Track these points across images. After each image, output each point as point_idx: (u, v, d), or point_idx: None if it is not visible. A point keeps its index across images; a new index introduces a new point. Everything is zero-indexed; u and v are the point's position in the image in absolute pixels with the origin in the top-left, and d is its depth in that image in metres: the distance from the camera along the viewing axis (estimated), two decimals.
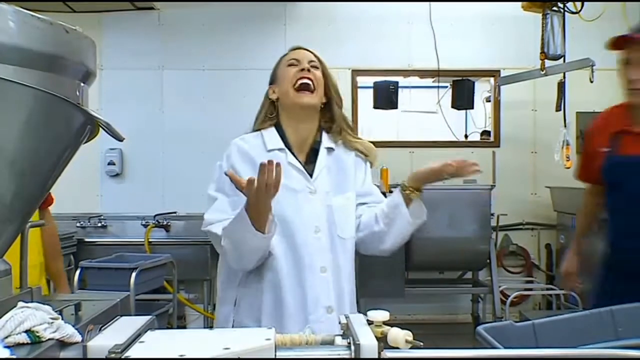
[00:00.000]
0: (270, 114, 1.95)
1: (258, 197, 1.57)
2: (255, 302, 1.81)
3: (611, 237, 2.28)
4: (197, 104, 5.53)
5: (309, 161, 1.91)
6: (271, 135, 1.91)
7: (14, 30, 1.02)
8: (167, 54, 5.55)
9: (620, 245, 2.21)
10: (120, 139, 1.24)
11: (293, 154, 1.89)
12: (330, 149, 1.93)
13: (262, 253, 1.75)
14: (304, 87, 1.86)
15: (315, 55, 1.95)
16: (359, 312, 1.32)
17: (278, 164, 1.56)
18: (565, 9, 4.53)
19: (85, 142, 1.27)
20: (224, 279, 1.88)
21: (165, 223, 5.08)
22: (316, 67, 1.91)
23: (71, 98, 1.13)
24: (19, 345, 1.04)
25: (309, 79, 1.87)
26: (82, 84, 1.19)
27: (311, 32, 5.37)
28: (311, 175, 1.87)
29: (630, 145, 2.22)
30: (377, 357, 1.07)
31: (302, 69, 1.87)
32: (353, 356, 1.07)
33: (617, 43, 2.17)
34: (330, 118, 1.96)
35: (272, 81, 1.97)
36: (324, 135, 1.95)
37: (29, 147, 1.12)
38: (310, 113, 1.91)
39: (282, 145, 1.89)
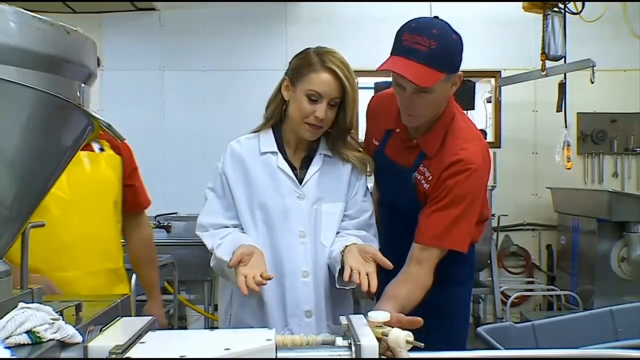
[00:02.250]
0: (279, 110, 1.90)
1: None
2: (245, 299, 1.81)
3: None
4: (198, 104, 5.52)
5: (304, 165, 1.88)
6: (267, 137, 1.89)
7: (14, 31, 1.02)
8: (167, 54, 5.53)
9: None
10: (121, 140, 1.24)
11: (286, 156, 1.87)
12: (327, 156, 1.89)
13: None
14: (312, 127, 1.80)
15: (343, 85, 1.78)
16: (359, 313, 1.31)
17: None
18: (566, 9, 4.52)
19: (86, 142, 1.27)
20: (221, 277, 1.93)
21: (166, 224, 5.06)
22: (334, 105, 1.80)
23: (72, 99, 1.13)
24: (20, 345, 1.04)
25: (320, 124, 1.80)
26: (82, 85, 1.19)
27: (312, 32, 5.36)
28: (301, 181, 1.84)
29: (394, 150, 1.98)
30: (377, 357, 1.07)
31: (317, 117, 1.77)
32: (354, 357, 1.08)
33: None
34: (332, 133, 1.89)
35: (291, 76, 1.84)
36: (322, 141, 1.91)
37: (30, 147, 1.12)
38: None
39: (275, 148, 1.87)
